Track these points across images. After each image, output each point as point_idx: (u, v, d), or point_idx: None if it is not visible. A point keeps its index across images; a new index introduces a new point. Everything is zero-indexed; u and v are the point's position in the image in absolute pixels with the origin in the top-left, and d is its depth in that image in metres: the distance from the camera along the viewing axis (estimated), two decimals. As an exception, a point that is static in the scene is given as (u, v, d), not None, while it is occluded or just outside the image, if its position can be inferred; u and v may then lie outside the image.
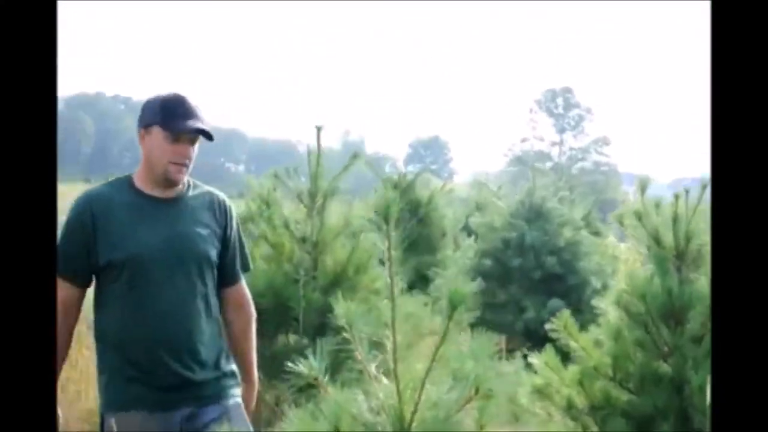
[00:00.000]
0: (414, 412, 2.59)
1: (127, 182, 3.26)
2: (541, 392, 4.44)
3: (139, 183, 3.24)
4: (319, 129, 5.74)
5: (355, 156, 6.36)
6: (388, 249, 2.81)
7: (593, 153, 74.13)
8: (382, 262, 6.36)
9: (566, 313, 4.48)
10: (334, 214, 6.05)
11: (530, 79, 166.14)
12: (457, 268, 10.59)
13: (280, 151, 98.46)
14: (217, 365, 3.26)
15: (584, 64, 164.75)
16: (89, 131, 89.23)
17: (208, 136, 3.21)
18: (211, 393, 3.24)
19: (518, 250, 10.06)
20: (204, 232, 3.25)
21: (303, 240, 5.83)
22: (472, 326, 9.72)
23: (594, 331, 4.49)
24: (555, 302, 8.75)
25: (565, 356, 4.51)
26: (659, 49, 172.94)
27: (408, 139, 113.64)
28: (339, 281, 5.75)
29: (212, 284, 3.29)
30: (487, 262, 10.23)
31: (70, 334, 3.24)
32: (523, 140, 75.58)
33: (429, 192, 13.90)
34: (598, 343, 4.44)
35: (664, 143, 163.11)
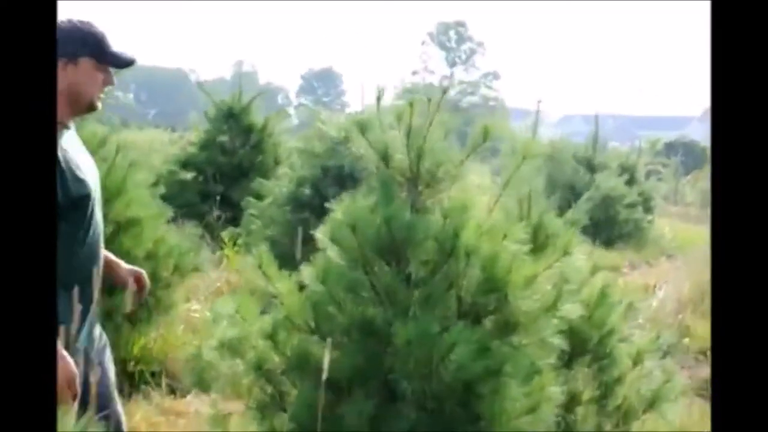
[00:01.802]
0: None
1: None
2: (231, 348, 3.57)
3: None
4: None
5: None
6: None
7: (482, 87, 74.11)
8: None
9: (263, 251, 3.60)
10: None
11: (424, 12, 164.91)
12: (272, 197, 9.68)
13: (172, 80, 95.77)
14: None
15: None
16: None
17: (133, 63, 3.23)
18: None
19: (337, 178, 9.18)
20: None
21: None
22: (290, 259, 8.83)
23: (306, 272, 3.61)
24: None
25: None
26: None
27: (301, 71, 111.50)
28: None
29: None
30: (305, 191, 9.33)
31: None
32: (414, 73, 75.18)
33: (263, 118, 12.95)
34: (304, 288, 3.57)
35: (555, 80, 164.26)
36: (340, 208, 3.56)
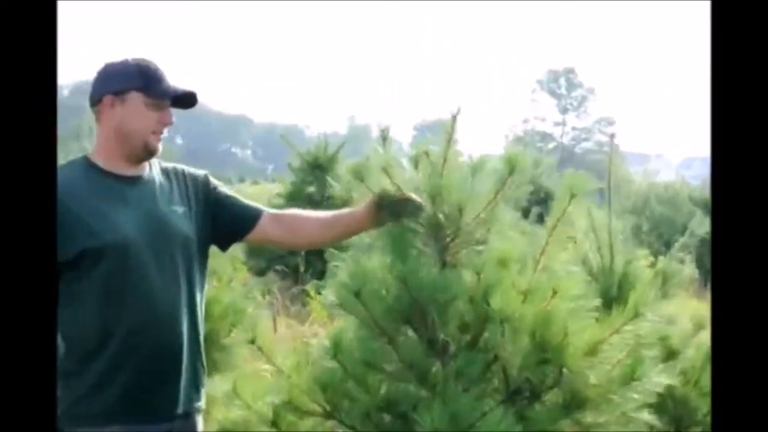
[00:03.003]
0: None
1: (85, 162, 2.89)
2: (234, 433, 2.89)
3: (102, 161, 2.87)
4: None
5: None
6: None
7: (596, 133, 72.79)
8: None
9: (255, 320, 2.95)
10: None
11: (532, 60, 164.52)
12: (354, 247, 9.07)
13: (287, 135, 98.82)
14: (194, 372, 2.84)
15: (587, 44, 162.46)
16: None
17: (194, 99, 2.93)
18: (185, 410, 2.83)
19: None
20: (179, 209, 2.91)
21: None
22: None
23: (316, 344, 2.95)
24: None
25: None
26: (663, 29, 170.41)
27: (414, 122, 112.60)
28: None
29: (198, 266, 2.92)
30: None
31: None
32: (525, 121, 74.52)
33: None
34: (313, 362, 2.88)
35: (671, 123, 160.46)
36: (343, 270, 2.91)
